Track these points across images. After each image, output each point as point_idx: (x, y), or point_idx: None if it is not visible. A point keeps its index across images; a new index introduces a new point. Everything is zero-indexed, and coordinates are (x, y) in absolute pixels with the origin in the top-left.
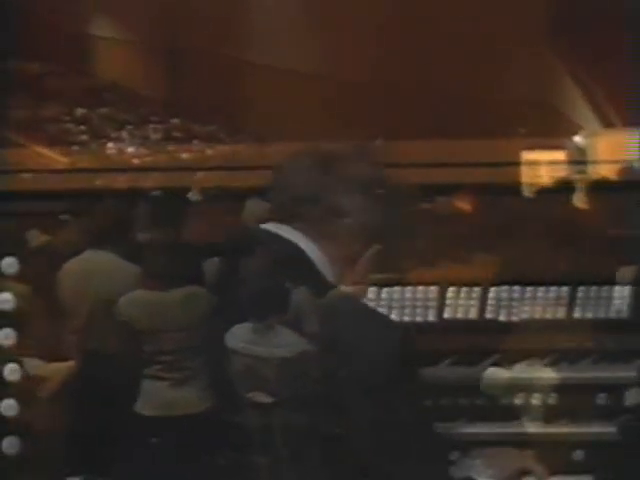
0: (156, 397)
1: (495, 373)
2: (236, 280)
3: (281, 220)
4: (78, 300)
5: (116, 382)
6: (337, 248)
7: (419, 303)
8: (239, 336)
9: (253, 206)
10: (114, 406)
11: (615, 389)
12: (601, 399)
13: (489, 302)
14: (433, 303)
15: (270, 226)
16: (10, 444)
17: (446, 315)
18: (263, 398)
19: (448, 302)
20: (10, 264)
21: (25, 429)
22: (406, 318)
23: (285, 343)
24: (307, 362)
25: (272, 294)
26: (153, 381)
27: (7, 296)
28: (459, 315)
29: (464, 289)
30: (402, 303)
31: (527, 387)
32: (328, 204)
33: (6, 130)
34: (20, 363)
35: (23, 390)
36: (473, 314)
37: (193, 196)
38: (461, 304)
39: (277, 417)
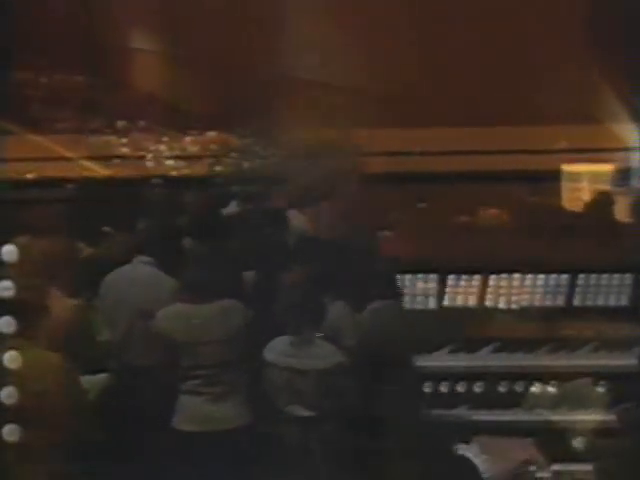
0: (194, 412)
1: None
2: (273, 293)
3: None
4: (117, 312)
5: (153, 396)
6: None
7: None
8: (277, 349)
9: (293, 218)
10: (150, 420)
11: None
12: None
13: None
14: None
15: None
16: (10, 432)
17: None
18: (301, 411)
19: None
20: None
21: (25, 417)
22: None
23: (322, 355)
24: (344, 374)
25: (309, 307)
26: (191, 396)
27: (7, 284)
28: None
29: None
30: None
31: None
32: None
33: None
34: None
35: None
36: None
37: (230, 209)
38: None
39: (316, 431)
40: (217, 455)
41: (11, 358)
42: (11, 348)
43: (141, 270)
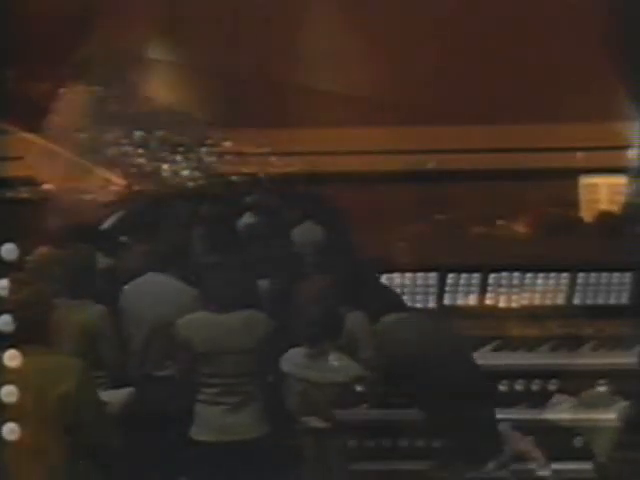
0: (211, 422)
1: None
2: (290, 304)
3: None
4: (137, 322)
5: (172, 405)
6: None
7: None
8: (294, 360)
9: (305, 230)
10: (169, 430)
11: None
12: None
13: None
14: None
15: None
16: (10, 430)
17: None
18: (317, 423)
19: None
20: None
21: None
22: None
23: (339, 368)
24: (361, 387)
25: (326, 319)
26: (209, 406)
27: (6, 283)
28: None
29: None
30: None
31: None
32: None
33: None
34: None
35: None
36: None
37: (248, 219)
38: None
39: (331, 442)
40: (234, 465)
41: (10, 357)
42: (11, 347)
43: (159, 280)
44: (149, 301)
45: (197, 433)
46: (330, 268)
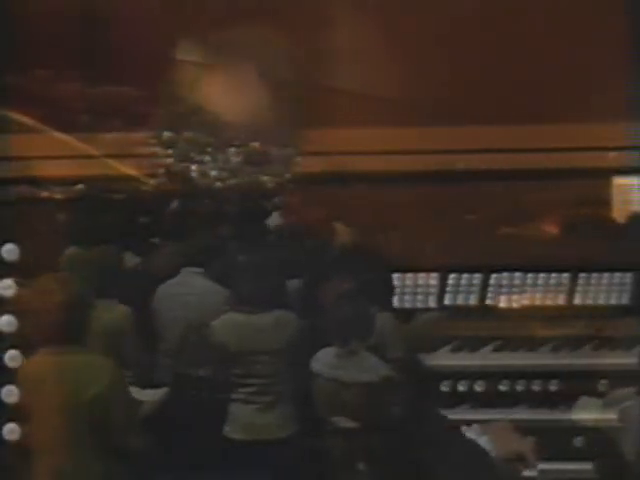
0: (244, 421)
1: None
2: (321, 304)
3: None
4: (171, 323)
5: (207, 405)
6: None
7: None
8: (324, 360)
9: (337, 229)
10: (204, 428)
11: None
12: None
13: None
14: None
15: None
16: (10, 430)
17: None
18: (347, 423)
19: None
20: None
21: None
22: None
23: (368, 368)
24: (390, 387)
25: (356, 319)
26: (242, 405)
27: (8, 282)
28: None
29: None
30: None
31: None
32: None
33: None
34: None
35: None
36: None
37: (274, 220)
38: None
39: (360, 442)
40: (265, 464)
41: (11, 357)
42: (11, 347)
43: (192, 281)
44: (182, 302)
45: (231, 431)
46: (359, 269)
